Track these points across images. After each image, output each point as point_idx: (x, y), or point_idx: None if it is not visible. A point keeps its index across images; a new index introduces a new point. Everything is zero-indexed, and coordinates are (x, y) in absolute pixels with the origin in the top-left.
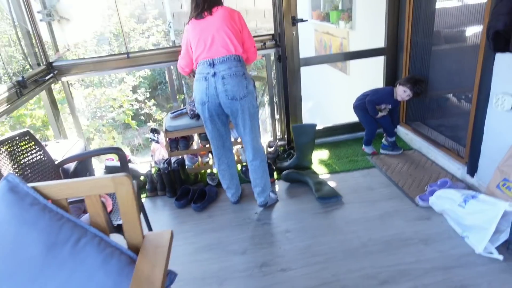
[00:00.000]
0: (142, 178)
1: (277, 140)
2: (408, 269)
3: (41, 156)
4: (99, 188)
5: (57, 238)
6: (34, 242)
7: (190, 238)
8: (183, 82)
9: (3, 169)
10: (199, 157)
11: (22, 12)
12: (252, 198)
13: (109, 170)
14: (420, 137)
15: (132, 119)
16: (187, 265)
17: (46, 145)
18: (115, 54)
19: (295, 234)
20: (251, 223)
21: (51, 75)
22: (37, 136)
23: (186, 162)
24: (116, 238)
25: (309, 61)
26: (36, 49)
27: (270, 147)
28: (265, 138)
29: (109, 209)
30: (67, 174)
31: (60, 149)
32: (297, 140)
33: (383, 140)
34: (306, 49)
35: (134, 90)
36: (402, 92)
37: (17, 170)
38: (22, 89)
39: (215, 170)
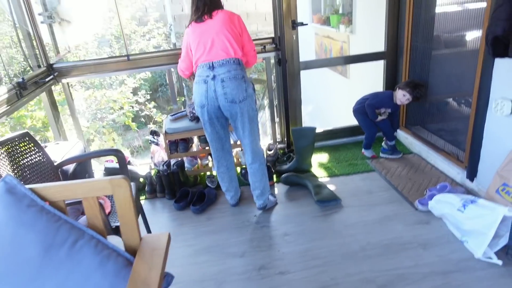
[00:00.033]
0: (141, 180)
1: (277, 143)
2: (406, 273)
3: (40, 158)
4: (96, 190)
5: (54, 240)
6: (31, 243)
7: (189, 240)
8: (183, 84)
9: (2, 170)
10: (198, 159)
11: (23, 14)
12: (251, 200)
13: (109, 171)
14: (420, 141)
15: (133, 121)
16: (185, 267)
17: (45, 147)
18: (115, 56)
19: (294, 237)
20: (250, 226)
21: (51, 76)
22: (37, 137)
23: (186, 164)
24: (114, 240)
25: (309, 65)
26: (37, 51)
27: (270, 150)
28: (265, 141)
29: (107, 210)
30: (66, 176)
31: (59, 151)
32: (297, 143)
33: (383, 143)
34: (306, 53)
35: (135, 92)
36: (401, 96)
37: (16, 171)
38: (22, 91)
39: (214, 173)
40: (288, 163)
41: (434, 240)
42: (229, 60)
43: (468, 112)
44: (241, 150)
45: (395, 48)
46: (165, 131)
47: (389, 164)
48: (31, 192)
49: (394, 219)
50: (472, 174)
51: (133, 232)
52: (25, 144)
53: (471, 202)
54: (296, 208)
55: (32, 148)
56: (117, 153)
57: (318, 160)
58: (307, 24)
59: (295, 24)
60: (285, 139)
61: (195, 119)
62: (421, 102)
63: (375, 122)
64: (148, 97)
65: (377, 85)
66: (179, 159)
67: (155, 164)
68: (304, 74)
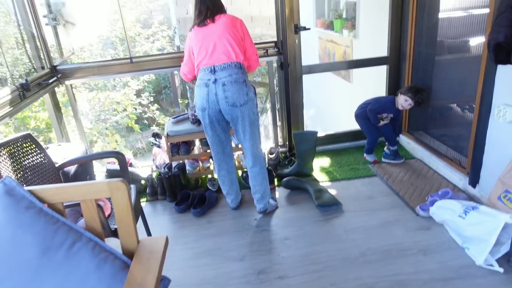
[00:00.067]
0: (143, 182)
1: (279, 147)
2: (406, 279)
3: (42, 159)
4: (94, 193)
5: (52, 242)
6: (29, 245)
7: (189, 243)
8: (187, 87)
9: (4, 171)
10: (200, 162)
11: (27, 16)
12: (252, 204)
13: (110, 173)
14: (422, 147)
15: (136, 123)
16: (185, 270)
17: (47, 148)
18: (118, 59)
19: (294, 242)
20: (250, 230)
21: (55, 78)
22: (41, 138)
23: (187, 167)
24: (113, 242)
25: (312, 69)
26: (41, 53)
27: (272, 153)
28: (267, 145)
29: (107, 212)
30: (67, 177)
31: (61, 152)
32: (298, 147)
33: (385, 148)
34: (310, 57)
35: (138, 94)
36: (403, 101)
37: (17, 172)
38: (25, 92)
39: (215, 176)
40: (290, 167)
41: (435, 247)
42: (231, 64)
43: (471, 118)
44: (242, 153)
45: (398, 53)
46: (167, 134)
47: (391, 169)
48: (30, 194)
49: (395, 224)
50: (474, 180)
51: (131, 235)
52: (27, 145)
53: (472, 208)
54: (296, 212)
55: (34, 149)
56: (118, 155)
57: (320, 164)
58: (309, 29)
59: (297, 29)
60: (287, 143)
61: (197, 122)
62: (423, 107)
63: (377, 127)
64: (152, 99)
65: (379, 90)
66: (181, 161)
67: (156, 167)
68: (307, 78)
